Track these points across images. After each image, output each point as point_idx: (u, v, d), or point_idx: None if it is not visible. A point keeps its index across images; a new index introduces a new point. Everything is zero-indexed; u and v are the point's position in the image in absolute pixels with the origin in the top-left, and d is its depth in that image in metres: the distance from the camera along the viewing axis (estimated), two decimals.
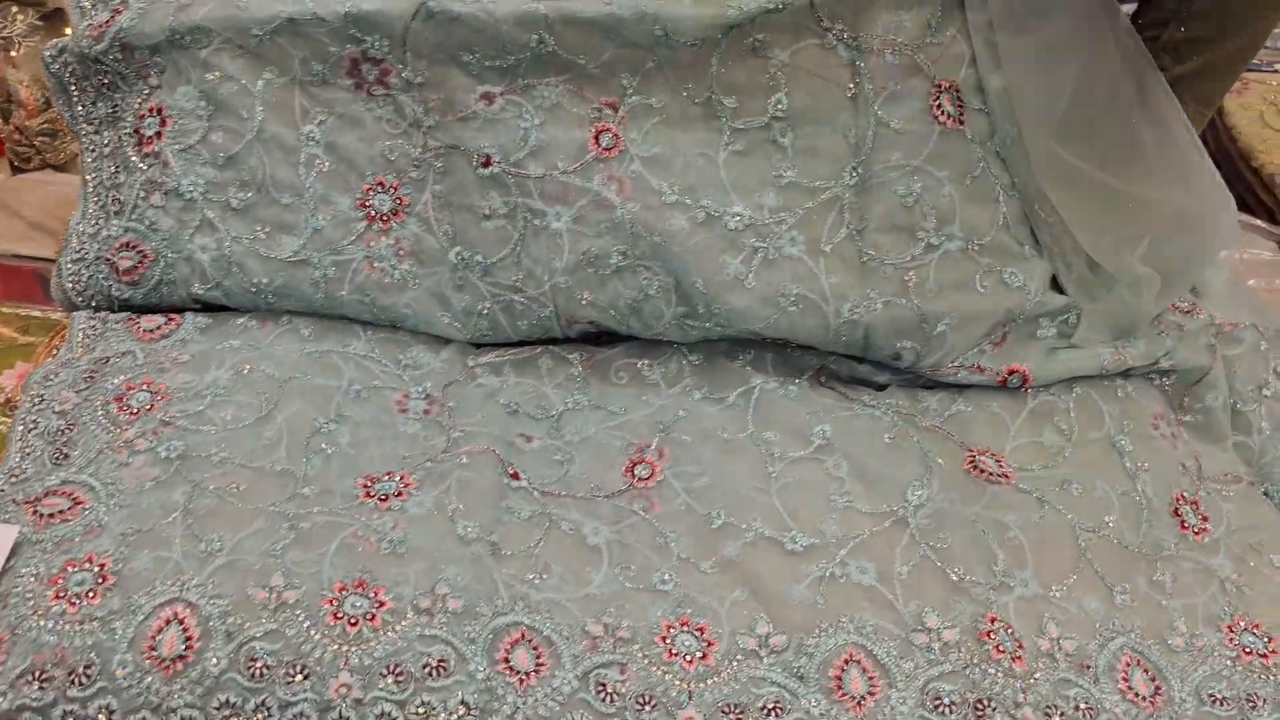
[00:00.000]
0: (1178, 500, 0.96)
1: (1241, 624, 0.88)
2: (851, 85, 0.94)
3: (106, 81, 1.03)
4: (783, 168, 0.98)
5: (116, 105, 1.04)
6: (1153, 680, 0.84)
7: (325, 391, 0.96)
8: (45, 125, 1.36)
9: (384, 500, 0.86)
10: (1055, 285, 1.05)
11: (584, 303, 1.00)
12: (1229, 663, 0.86)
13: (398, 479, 0.89)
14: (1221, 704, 0.83)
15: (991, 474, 0.95)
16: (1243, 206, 1.39)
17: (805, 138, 0.97)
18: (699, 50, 0.94)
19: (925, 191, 0.98)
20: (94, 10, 1.04)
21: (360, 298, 1.02)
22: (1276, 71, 1.58)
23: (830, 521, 0.89)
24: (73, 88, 1.04)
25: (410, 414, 0.97)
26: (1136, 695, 0.83)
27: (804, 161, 0.97)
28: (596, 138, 0.98)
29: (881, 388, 1.04)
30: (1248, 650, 0.87)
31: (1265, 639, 0.87)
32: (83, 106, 1.05)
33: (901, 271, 0.99)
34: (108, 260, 1.03)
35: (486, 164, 0.98)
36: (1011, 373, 1.02)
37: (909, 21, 0.96)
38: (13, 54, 1.35)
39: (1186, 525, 0.95)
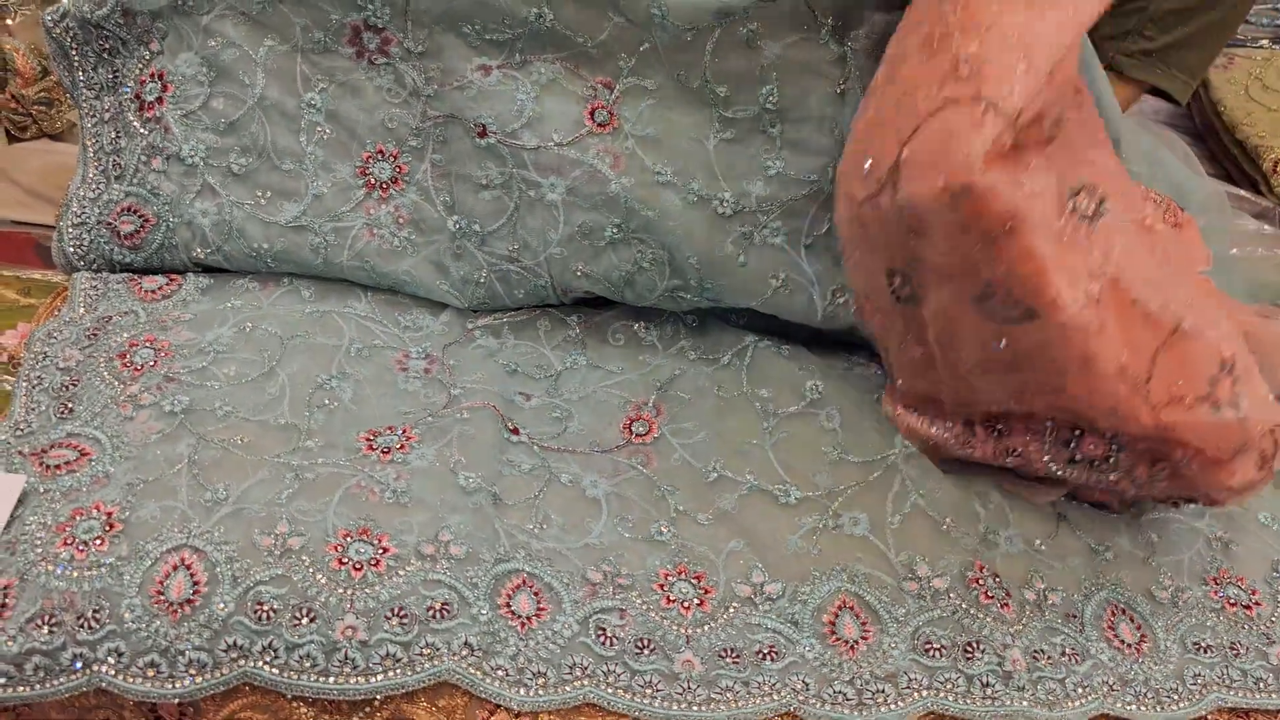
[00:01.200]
0: None
1: (1226, 577, 0.90)
2: (841, 82, 0.96)
3: (107, 47, 1.04)
4: (770, 159, 0.99)
5: (117, 70, 1.05)
6: (1138, 629, 0.86)
7: (327, 350, 0.98)
8: (42, 94, 1.37)
9: (386, 453, 0.88)
10: None
11: (578, 274, 1.02)
12: (1213, 614, 0.88)
13: (400, 433, 0.90)
14: (1206, 651, 0.86)
15: None
16: (1227, 178, 1.41)
17: (793, 130, 0.98)
18: (693, 36, 0.95)
19: None
20: None
21: (360, 264, 1.04)
22: (1261, 46, 1.61)
23: (823, 473, 0.91)
24: (73, 53, 1.04)
25: (410, 372, 0.98)
26: (1122, 643, 0.85)
27: (791, 154, 0.98)
28: (591, 114, 0.99)
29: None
30: (1232, 602, 0.89)
31: (1249, 591, 0.90)
32: (83, 72, 1.05)
33: None
34: (109, 224, 1.03)
35: (483, 134, 0.99)
36: None
37: (896, 21, 0.96)
38: (9, 22, 1.35)
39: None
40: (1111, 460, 0.87)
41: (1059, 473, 0.90)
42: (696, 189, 0.99)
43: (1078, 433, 0.86)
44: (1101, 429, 0.85)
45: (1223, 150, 1.45)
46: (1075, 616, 0.85)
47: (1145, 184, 1.05)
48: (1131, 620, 0.86)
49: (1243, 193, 1.37)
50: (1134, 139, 1.04)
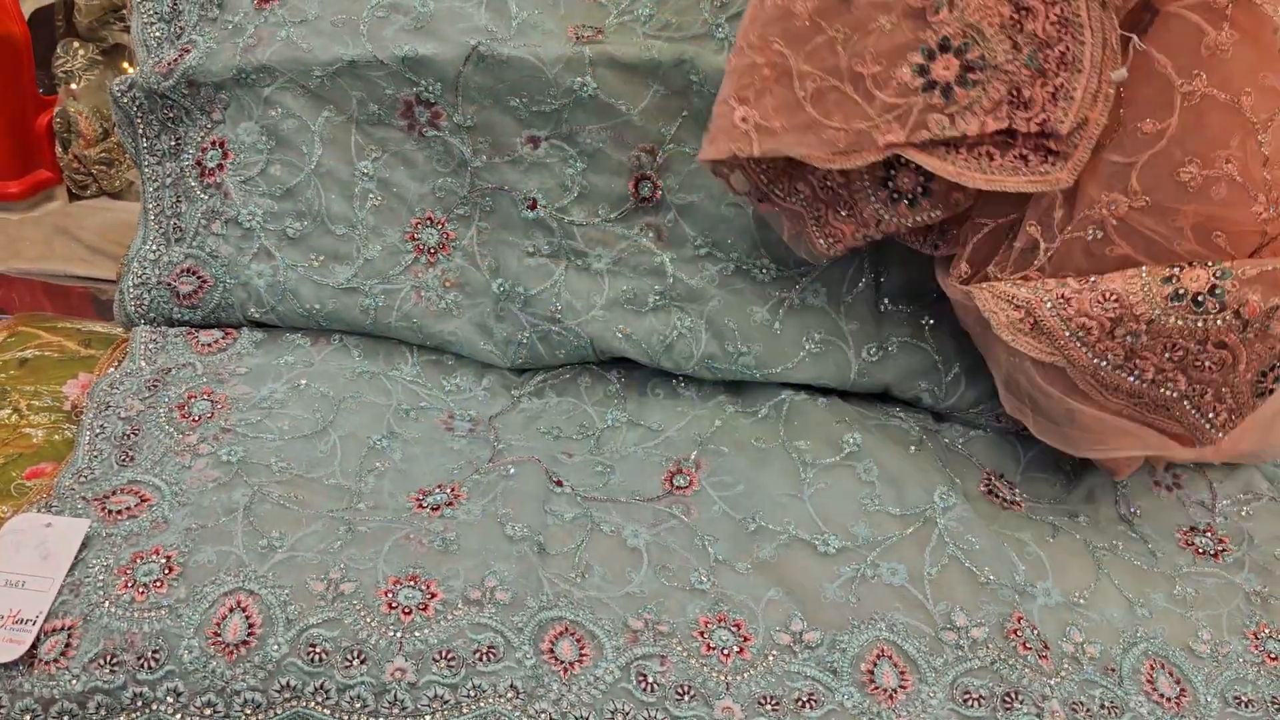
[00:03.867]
0: (1186, 533, 0.99)
1: (1266, 631, 0.90)
2: None
3: (171, 115, 1.09)
4: None
5: (179, 138, 1.10)
6: (1177, 683, 0.86)
7: (376, 409, 1.01)
8: (103, 154, 1.43)
9: (435, 509, 0.90)
10: None
11: (619, 336, 1.05)
12: (1254, 668, 0.88)
13: (448, 490, 0.93)
14: (1247, 706, 0.85)
15: (1005, 500, 0.99)
16: None
17: None
18: None
19: None
20: (160, 48, 1.10)
21: (407, 324, 1.07)
22: None
23: (861, 524, 0.92)
24: (138, 120, 1.10)
25: (456, 432, 1.01)
26: (1161, 696, 0.85)
27: None
28: (636, 186, 1.03)
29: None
30: (1273, 656, 0.89)
31: None
32: (147, 139, 1.11)
33: (918, 316, 1.04)
34: (168, 285, 1.08)
35: (533, 207, 1.04)
36: (1025, 427, 1.04)
37: None
38: (74, 87, 1.42)
39: (1202, 551, 0.97)
40: None
41: None
42: (736, 258, 1.02)
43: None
44: None
45: None
46: (1114, 670, 0.85)
47: None
48: (1170, 674, 0.86)
49: None
50: None
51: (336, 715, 0.77)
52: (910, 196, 0.90)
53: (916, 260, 1.02)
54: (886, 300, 1.03)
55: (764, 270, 1.03)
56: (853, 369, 1.03)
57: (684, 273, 1.03)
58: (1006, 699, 0.82)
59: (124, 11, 1.42)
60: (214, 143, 1.08)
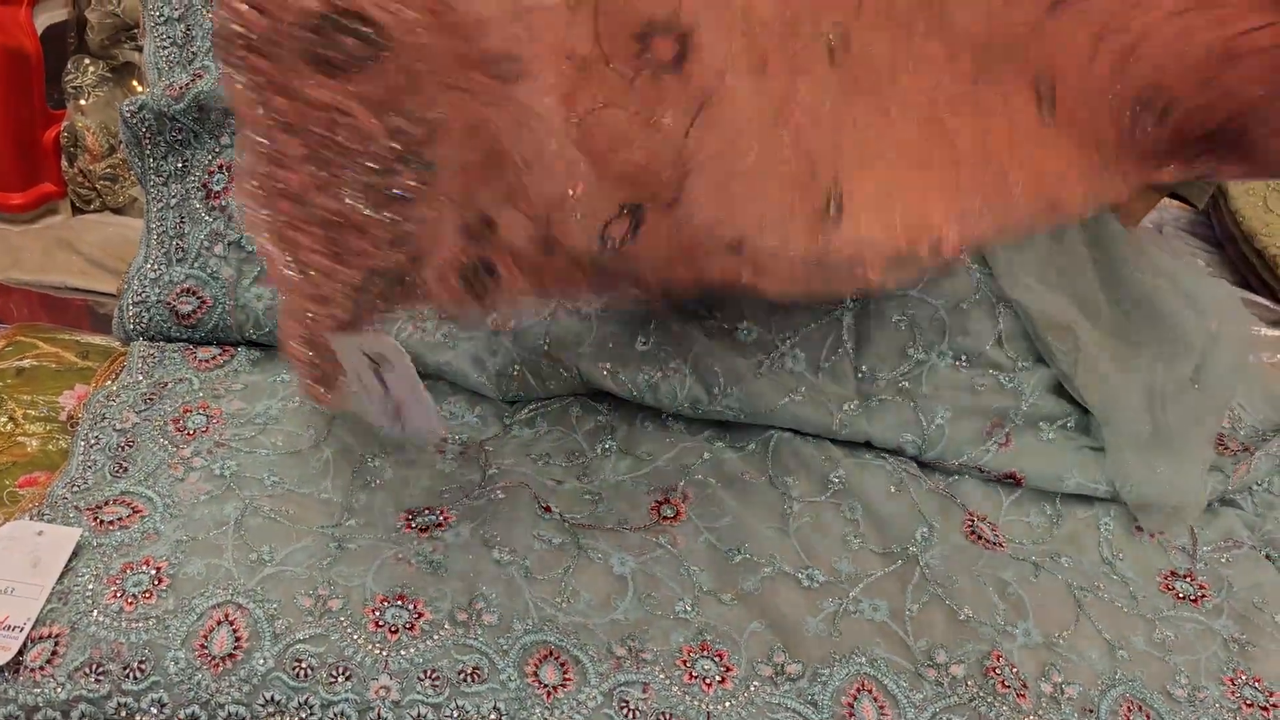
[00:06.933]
0: (1167, 578, 1.00)
1: (1243, 678, 0.91)
2: None
3: (179, 138, 1.11)
4: None
5: (186, 160, 1.11)
6: None
7: (368, 428, 1.01)
8: (108, 170, 1.45)
9: (425, 530, 0.91)
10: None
11: (605, 373, 1.06)
12: (1231, 714, 0.88)
13: (438, 513, 0.93)
14: None
15: (988, 541, 1.00)
16: (1246, 286, 1.45)
17: None
18: None
19: (919, 316, 1.06)
20: (172, 71, 1.12)
21: None
22: None
23: (844, 560, 0.93)
24: (146, 141, 1.11)
25: (447, 455, 1.02)
26: None
27: None
28: None
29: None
30: (1249, 703, 0.89)
31: (1267, 693, 0.90)
32: (154, 160, 1.12)
33: (896, 382, 1.06)
34: (168, 304, 1.09)
35: None
36: (1008, 476, 1.06)
37: None
38: (82, 102, 1.44)
39: (1182, 596, 0.98)
40: None
41: None
42: (719, 319, 1.05)
43: None
44: None
45: (1242, 259, 1.49)
46: (1092, 711, 0.86)
47: (1161, 296, 1.09)
48: (1147, 717, 0.87)
49: (1262, 300, 1.41)
50: (1146, 250, 1.09)
51: None
52: None
53: (895, 334, 1.05)
54: (864, 367, 1.05)
55: (747, 333, 1.05)
56: (835, 420, 1.04)
57: (671, 322, 1.04)
58: None
59: (136, 31, 1.44)
60: (220, 166, 1.10)
